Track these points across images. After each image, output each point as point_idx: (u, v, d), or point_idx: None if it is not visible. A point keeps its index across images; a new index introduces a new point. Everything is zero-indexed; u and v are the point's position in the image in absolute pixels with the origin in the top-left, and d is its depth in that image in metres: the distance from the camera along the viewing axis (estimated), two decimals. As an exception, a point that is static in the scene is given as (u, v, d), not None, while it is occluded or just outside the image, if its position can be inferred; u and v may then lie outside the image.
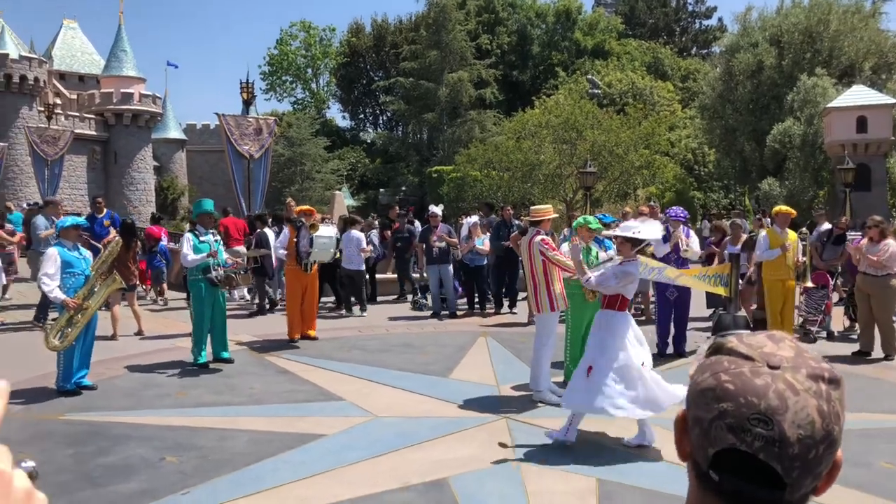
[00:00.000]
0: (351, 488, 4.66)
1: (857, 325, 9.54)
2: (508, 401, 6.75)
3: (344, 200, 23.29)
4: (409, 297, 13.45)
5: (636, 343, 5.53)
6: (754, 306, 10.62)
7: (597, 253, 7.25)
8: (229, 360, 8.29)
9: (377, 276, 14.16)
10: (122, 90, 41.05)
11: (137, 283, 11.43)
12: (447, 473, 4.90)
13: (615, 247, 6.18)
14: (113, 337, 9.63)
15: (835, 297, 10.96)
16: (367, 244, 12.46)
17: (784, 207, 9.41)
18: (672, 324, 8.94)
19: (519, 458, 5.21)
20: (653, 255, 8.70)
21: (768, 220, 14.63)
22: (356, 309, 12.25)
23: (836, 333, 10.24)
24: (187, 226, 13.94)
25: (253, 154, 16.82)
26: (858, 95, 29.82)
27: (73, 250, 7.18)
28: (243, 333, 10.08)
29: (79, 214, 12.63)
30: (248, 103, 18.50)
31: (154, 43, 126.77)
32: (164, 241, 13.53)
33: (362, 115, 57.21)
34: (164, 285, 13.40)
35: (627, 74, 44.73)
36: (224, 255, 8.59)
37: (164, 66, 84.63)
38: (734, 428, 0.79)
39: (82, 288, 7.03)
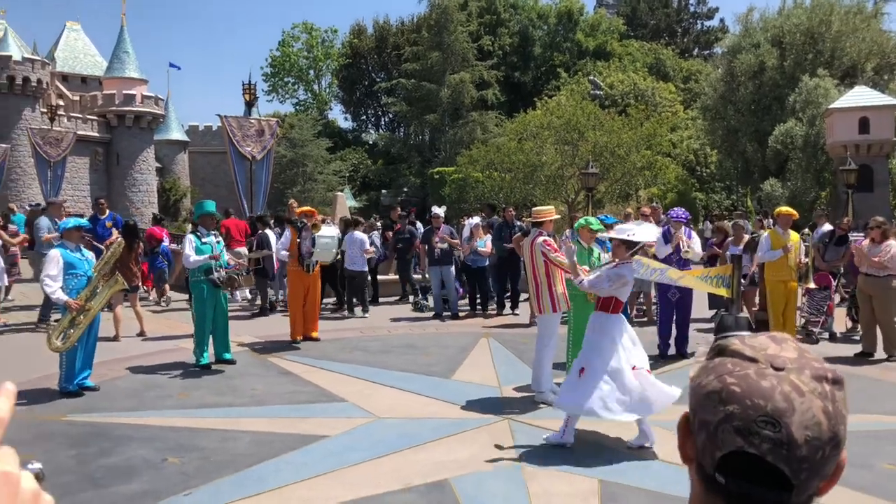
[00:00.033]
0: (353, 489, 4.66)
1: (859, 326, 9.53)
2: (510, 402, 6.75)
3: (346, 201, 23.31)
4: (411, 298, 13.45)
5: (630, 345, 5.53)
6: (756, 307, 10.61)
7: (599, 254, 7.25)
8: (231, 362, 8.30)
9: (379, 277, 14.17)
10: (125, 92, 41.12)
11: (140, 284, 11.44)
12: (449, 474, 4.90)
13: (612, 248, 6.18)
14: (115, 338, 9.64)
15: (836, 298, 10.94)
16: (370, 245, 12.47)
17: (786, 208, 9.40)
18: (674, 325, 8.94)
19: (521, 459, 5.22)
20: (654, 257, 8.70)
21: (770, 220, 14.63)
22: (358, 310, 12.25)
23: (838, 334, 10.22)
24: (189, 227, 13.96)
25: (255, 155, 16.84)
26: (860, 96, 29.80)
27: (75, 252, 7.19)
28: (245, 334, 10.09)
29: (81, 216, 12.65)
30: (250, 105, 18.50)
31: (156, 44, 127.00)
32: (166, 242, 13.55)
33: (364, 117, 57.26)
34: (167, 286, 13.42)
35: (629, 75, 44.71)
36: (226, 257, 8.61)
37: (167, 68, 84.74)
38: (741, 430, 0.79)
39: (84, 289, 7.04)
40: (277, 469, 5.01)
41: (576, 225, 8.05)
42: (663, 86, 44.83)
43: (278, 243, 10.40)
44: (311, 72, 61.46)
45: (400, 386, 7.30)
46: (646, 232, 5.79)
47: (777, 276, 8.94)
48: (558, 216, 8.20)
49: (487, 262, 12.26)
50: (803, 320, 10.09)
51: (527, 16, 53.06)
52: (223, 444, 5.57)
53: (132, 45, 42.94)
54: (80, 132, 33.60)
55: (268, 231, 12.72)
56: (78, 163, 38.38)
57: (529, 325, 10.62)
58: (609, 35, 53.25)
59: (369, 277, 13.06)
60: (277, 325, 10.79)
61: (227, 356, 8.34)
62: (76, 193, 38.59)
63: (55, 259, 7.02)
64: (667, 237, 8.96)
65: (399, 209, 16.38)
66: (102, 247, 9.56)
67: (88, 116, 40.91)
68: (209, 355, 8.21)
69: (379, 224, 16.49)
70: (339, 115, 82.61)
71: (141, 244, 11.86)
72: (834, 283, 10.44)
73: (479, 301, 12.49)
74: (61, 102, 39.91)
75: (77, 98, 43.62)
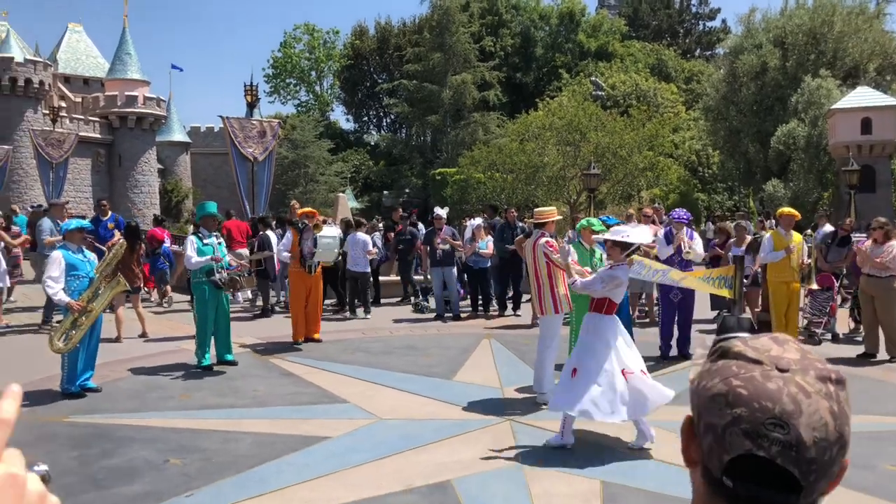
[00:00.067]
0: (355, 490, 4.66)
1: (861, 327, 9.52)
2: (512, 403, 6.74)
3: (348, 202, 23.34)
4: (412, 299, 13.46)
5: (624, 346, 5.53)
6: (759, 308, 10.60)
7: (601, 256, 7.24)
8: (233, 363, 8.30)
9: (380, 278, 14.18)
10: (127, 93, 41.15)
11: (141, 285, 11.46)
12: (451, 476, 4.89)
13: (607, 250, 6.18)
14: (117, 339, 9.65)
15: (838, 299, 10.92)
16: (373, 246, 12.48)
17: (788, 209, 9.38)
18: (676, 326, 8.92)
19: (523, 461, 5.21)
20: (657, 258, 8.69)
21: (771, 221, 14.61)
22: (360, 311, 12.26)
23: (840, 335, 10.21)
24: (191, 228, 13.97)
25: (257, 157, 16.85)
26: (863, 97, 29.77)
27: (77, 253, 7.21)
28: (247, 336, 10.10)
29: (83, 217, 12.67)
30: (251, 106, 18.53)
31: (158, 46, 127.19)
32: (168, 243, 13.58)
33: (366, 118, 57.29)
34: (168, 287, 13.44)
35: (631, 76, 44.70)
36: (227, 258, 8.61)
37: (169, 69, 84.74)
38: (750, 433, 0.78)
39: (86, 290, 7.05)
40: (279, 470, 5.01)
41: (577, 226, 8.05)
42: (665, 86, 44.82)
43: (280, 245, 10.41)
44: (313, 73, 61.50)
45: (402, 387, 7.30)
46: (640, 233, 5.78)
47: (779, 277, 8.93)
48: (560, 217, 8.20)
49: (489, 264, 12.25)
50: (806, 321, 10.08)
51: (528, 17, 53.06)
52: (225, 445, 5.58)
53: (134, 47, 42.97)
54: (82, 133, 33.62)
55: (269, 232, 12.73)
56: (80, 164, 38.42)
57: (531, 325, 10.62)
58: (611, 36, 53.24)
59: (371, 279, 13.05)
60: (279, 327, 10.79)
61: (229, 357, 8.35)
62: (78, 195, 38.62)
63: (57, 260, 7.03)
64: (668, 238, 8.95)
65: (400, 210, 16.39)
66: (104, 248, 9.56)
67: (90, 118, 40.96)
68: (211, 356, 8.21)
69: (381, 225, 16.50)
70: (340, 117, 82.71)
71: (143, 245, 11.88)
72: (836, 284, 10.42)
73: (480, 302, 12.48)
74: (63, 104, 39.96)
75: (79, 99, 43.68)
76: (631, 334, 8.52)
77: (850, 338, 10.16)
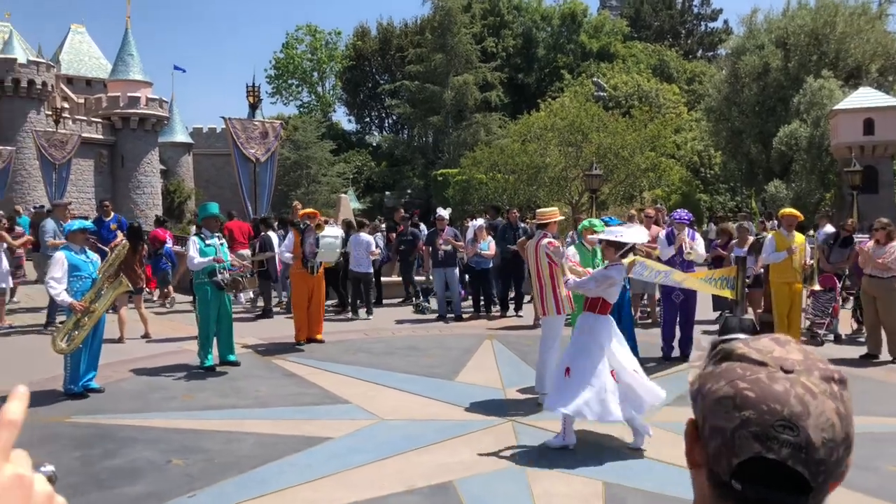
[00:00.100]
0: (357, 491, 4.66)
1: (864, 327, 9.50)
2: (514, 404, 6.74)
3: (350, 203, 23.35)
4: (413, 300, 13.46)
5: (617, 346, 5.54)
6: (761, 309, 10.59)
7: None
8: (235, 363, 8.31)
9: (382, 278, 14.18)
10: (129, 94, 41.22)
11: (144, 286, 11.47)
12: (453, 476, 4.90)
13: (601, 250, 6.19)
14: (120, 340, 9.66)
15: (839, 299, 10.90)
16: (375, 247, 12.48)
17: (790, 210, 9.38)
18: (678, 327, 8.92)
19: (525, 461, 5.21)
20: (658, 259, 8.69)
21: (773, 222, 14.60)
22: (362, 312, 12.26)
23: (843, 336, 10.19)
24: (193, 229, 13.98)
25: (259, 157, 16.87)
26: (865, 97, 29.74)
27: (80, 254, 7.22)
28: (249, 336, 10.11)
29: (86, 218, 12.69)
30: (254, 107, 18.60)
31: (161, 47, 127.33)
32: (170, 244, 13.60)
33: (368, 119, 57.33)
34: (171, 287, 13.47)
35: (633, 77, 44.69)
36: (229, 259, 8.62)
37: (171, 70, 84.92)
38: (760, 436, 0.78)
39: (89, 291, 7.06)
40: (281, 471, 5.02)
41: (579, 227, 8.06)
42: (667, 87, 44.79)
43: (282, 246, 10.42)
44: (315, 74, 61.56)
45: (403, 388, 7.30)
46: (634, 233, 5.76)
47: (782, 277, 8.92)
48: (562, 217, 8.20)
49: (491, 264, 12.25)
50: (808, 322, 10.07)
51: (530, 17, 53.07)
52: (227, 445, 5.58)
53: (136, 48, 43.06)
54: (84, 134, 33.69)
55: (270, 233, 12.73)
56: (82, 165, 38.49)
57: (533, 326, 10.62)
58: (613, 37, 53.23)
59: (373, 279, 13.05)
60: (281, 327, 10.80)
61: (232, 358, 8.35)
62: (81, 195, 38.68)
63: (60, 261, 7.05)
64: (670, 239, 8.95)
65: (402, 211, 16.39)
66: (107, 249, 9.57)
67: (93, 119, 41.03)
68: (213, 357, 8.22)
69: (383, 226, 16.51)
70: (342, 118, 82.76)
71: (145, 246, 11.90)
72: (839, 285, 10.41)
73: (482, 303, 12.48)
74: (66, 105, 40.03)
75: (82, 100, 43.75)
76: (633, 335, 8.57)
77: (852, 339, 10.14)
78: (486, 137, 38.85)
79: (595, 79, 42.20)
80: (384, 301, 13.81)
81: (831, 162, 31.31)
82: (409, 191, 44.15)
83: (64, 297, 6.94)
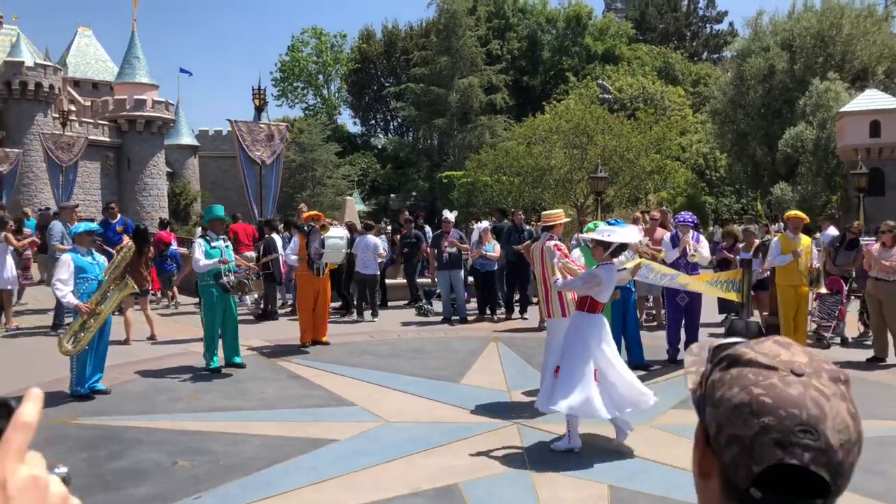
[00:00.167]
0: (362, 494, 4.67)
1: (870, 330, 9.47)
2: (519, 406, 6.73)
3: (355, 206, 23.36)
4: (417, 302, 13.45)
5: (605, 346, 5.56)
6: (767, 312, 10.56)
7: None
8: (241, 365, 8.33)
9: (387, 281, 14.19)
10: (136, 97, 41.38)
11: (150, 288, 11.51)
12: (458, 479, 4.89)
13: (591, 249, 6.22)
14: (126, 341, 9.69)
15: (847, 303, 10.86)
16: (382, 249, 12.50)
17: (796, 212, 9.35)
18: (683, 330, 8.90)
19: (530, 464, 5.21)
20: (663, 261, 8.68)
21: (778, 225, 14.56)
22: (367, 314, 12.27)
23: (849, 339, 10.15)
24: (198, 231, 14.02)
25: (265, 160, 16.89)
26: (871, 99, 29.65)
27: (86, 256, 7.25)
28: (255, 338, 10.13)
29: (92, 220, 12.73)
30: (259, 109, 18.59)
31: (167, 50, 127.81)
32: (174, 246, 13.65)
33: (373, 121, 57.40)
34: (175, 288, 13.52)
35: (638, 79, 44.62)
36: (234, 261, 8.64)
37: (177, 73, 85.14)
38: (781, 442, 0.77)
39: (95, 293, 7.09)
40: (287, 473, 5.03)
41: (584, 229, 8.04)
42: (672, 89, 44.71)
43: (287, 249, 10.44)
44: (321, 76, 61.65)
45: (409, 390, 7.30)
46: (625, 233, 5.72)
47: (788, 280, 8.89)
48: (568, 219, 8.20)
49: (496, 266, 12.25)
50: (815, 325, 10.03)
51: (535, 20, 53.06)
52: (233, 447, 5.59)
53: (143, 51, 43.23)
54: (91, 137, 33.80)
55: (274, 235, 12.74)
56: (89, 167, 38.64)
57: (539, 329, 10.61)
58: (618, 39, 53.17)
59: (378, 281, 13.05)
60: (287, 330, 10.82)
61: (237, 360, 8.37)
62: (87, 198, 38.82)
63: (66, 263, 7.08)
64: (674, 241, 8.94)
65: (406, 213, 16.40)
66: (113, 251, 9.61)
67: (100, 121, 41.19)
68: (219, 359, 8.24)
69: (389, 228, 16.51)
70: (348, 120, 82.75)
71: (151, 248, 11.93)
72: (845, 288, 10.38)
73: (487, 305, 12.47)
74: (73, 108, 40.20)
75: (88, 103, 43.93)
76: (639, 338, 8.56)
77: (859, 342, 10.10)
78: (491, 140, 38.85)
79: (600, 81, 42.17)
80: (389, 303, 13.82)
81: (837, 164, 31.20)
82: (414, 193, 44.17)
83: (70, 299, 6.97)
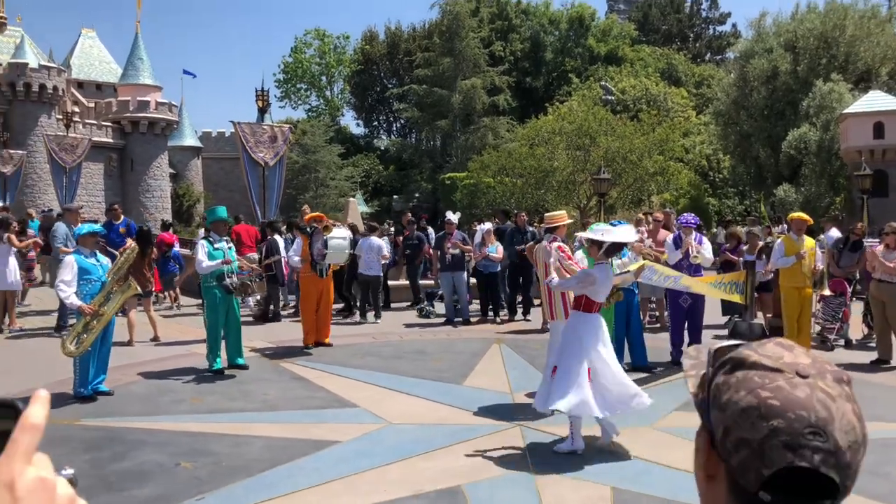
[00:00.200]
0: (364, 495, 4.67)
1: (874, 332, 9.44)
2: (522, 408, 6.72)
3: (358, 207, 23.40)
4: (418, 304, 13.45)
5: (600, 345, 5.56)
6: (770, 314, 10.54)
7: (611, 260, 7.22)
8: (244, 367, 8.33)
9: (390, 282, 14.19)
10: (139, 98, 41.47)
11: (153, 289, 11.53)
12: (461, 481, 4.89)
13: (587, 248, 6.23)
14: (129, 343, 9.71)
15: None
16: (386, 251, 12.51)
17: (799, 214, 9.32)
18: (686, 332, 8.89)
19: (533, 466, 5.20)
20: (666, 263, 8.67)
21: (782, 227, 14.53)
22: (370, 315, 12.27)
23: (853, 341, 10.13)
24: (201, 232, 14.04)
25: (268, 161, 16.90)
26: (875, 101, 29.60)
27: (90, 257, 7.27)
28: (257, 340, 10.13)
29: (95, 221, 12.76)
30: (262, 111, 18.63)
31: (171, 51, 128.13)
32: (177, 247, 13.68)
33: (376, 123, 57.48)
34: (178, 290, 13.54)
35: (641, 81, 44.61)
36: (237, 262, 8.64)
37: (181, 75, 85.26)
38: (791, 445, 0.77)
39: (98, 294, 7.10)
40: (290, 474, 5.03)
41: (588, 230, 8.04)
42: (675, 91, 44.70)
43: (290, 250, 10.45)
44: (324, 78, 61.76)
45: (412, 392, 7.30)
46: (619, 233, 5.70)
47: (791, 282, 8.87)
48: (571, 220, 8.19)
49: (499, 268, 12.24)
50: (818, 327, 10.01)
51: (538, 21, 53.10)
52: (236, 449, 5.60)
53: (146, 52, 43.32)
54: (94, 138, 33.87)
55: (276, 237, 12.75)
56: (93, 169, 38.72)
57: (542, 330, 10.60)
58: (621, 40, 53.20)
59: (381, 283, 13.05)
60: (289, 331, 10.83)
61: (240, 361, 8.38)
62: (91, 199, 38.92)
63: (70, 265, 7.10)
64: (677, 243, 8.93)
65: (409, 214, 16.41)
66: (117, 253, 9.63)
67: (103, 123, 41.29)
68: (222, 360, 8.25)
69: (392, 230, 16.51)
70: (350, 122, 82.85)
71: (154, 250, 11.95)
72: (849, 290, 10.35)
73: (490, 307, 12.47)
74: (77, 109, 40.32)
75: (92, 105, 44.05)
76: (642, 340, 8.55)
77: (863, 344, 10.08)
78: (494, 141, 38.88)
79: (603, 82, 42.18)
80: (392, 305, 13.82)
81: (841, 166, 31.15)
82: (416, 194, 44.23)
83: (73, 300, 6.98)
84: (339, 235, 9.76)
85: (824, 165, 31.82)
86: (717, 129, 39.46)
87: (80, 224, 9.61)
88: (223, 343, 8.33)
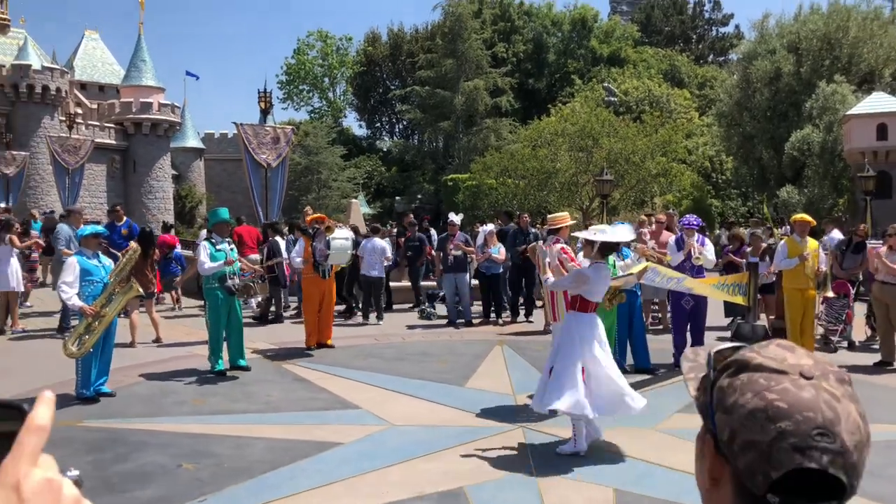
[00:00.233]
0: (367, 497, 4.66)
1: (877, 334, 9.42)
2: (525, 409, 6.71)
3: (360, 208, 23.40)
4: (419, 306, 13.45)
5: (595, 345, 5.56)
6: (773, 316, 10.52)
7: (613, 261, 7.22)
8: (246, 368, 8.33)
9: (392, 284, 14.18)
10: (142, 100, 41.54)
11: (155, 290, 11.53)
12: (463, 483, 4.88)
13: (582, 248, 6.22)
14: (131, 344, 9.71)
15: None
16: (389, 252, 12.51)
17: (802, 215, 9.30)
18: (689, 333, 8.87)
19: (536, 468, 5.19)
20: (668, 264, 8.66)
21: (784, 228, 14.50)
22: (372, 317, 12.27)
23: (857, 343, 10.11)
24: (203, 233, 14.05)
25: (270, 163, 16.93)
26: (878, 102, 29.56)
27: (92, 258, 7.27)
28: (260, 341, 10.13)
29: (98, 223, 12.78)
30: (265, 112, 18.67)
31: (173, 53, 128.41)
32: (179, 248, 13.70)
33: (378, 124, 57.53)
34: (179, 291, 13.56)
35: (644, 82, 44.60)
36: (239, 264, 8.65)
37: (183, 76, 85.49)
38: (799, 447, 0.77)
39: (100, 295, 7.10)
40: (292, 476, 5.02)
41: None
42: (678, 92, 44.68)
43: (293, 252, 10.45)
44: (326, 79, 61.85)
45: (414, 393, 7.30)
46: (612, 233, 5.69)
47: (794, 284, 8.84)
48: (574, 222, 8.19)
49: (501, 269, 12.24)
50: (822, 329, 9.99)
51: (541, 23, 53.11)
52: (238, 450, 5.59)
53: (149, 54, 43.41)
54: (97, 140, 33.94)
55: (278, 238, 12.75)
56: (95, 170, 38.78)
57: (544, 332, 10.59)
58: (623, 42, 53.18)
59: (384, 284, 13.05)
60: (292, 332, 10.83)
61: (242, 363, 8.38)
62: (93, 200, 38.99)
63: (72, 266, 7.10)
64: (679, 244, 8.91)
65: (411, 216, 16.41)
66: (119, 254, 9.64)
67: (106, 124, 41.36)
68: (224, 362, 8.24)
69: (394, 231, 16.50)
70: (353, 123, 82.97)
71: (156, 251, 11.97)
72: (852, 291, 10.33)
73: (493, 308, 12.46)
74: (79, 110, 40.40)
75: (95, 106, 44.13)
76: (645, 342, 8.54)
77: (866, 345, 10.06)
78: (497, 143, 38.89)
79: (606, 84, 42.15)
80: (395, 306, 13.81)
81: (844, 167, 31.10)
82: (419, 196, 44.24)
83: (75, 301, 6.98)
84: (342, 236, 9.77)
85: (827, 167, 31.77)
86: (719, 131, 39.42)
87: (82, 225, 9.63)
88: (225, 344, 8.33)
